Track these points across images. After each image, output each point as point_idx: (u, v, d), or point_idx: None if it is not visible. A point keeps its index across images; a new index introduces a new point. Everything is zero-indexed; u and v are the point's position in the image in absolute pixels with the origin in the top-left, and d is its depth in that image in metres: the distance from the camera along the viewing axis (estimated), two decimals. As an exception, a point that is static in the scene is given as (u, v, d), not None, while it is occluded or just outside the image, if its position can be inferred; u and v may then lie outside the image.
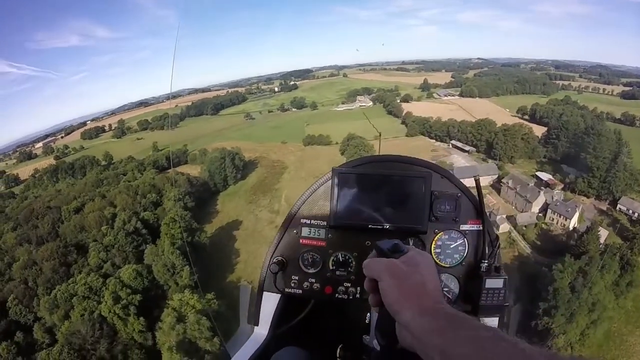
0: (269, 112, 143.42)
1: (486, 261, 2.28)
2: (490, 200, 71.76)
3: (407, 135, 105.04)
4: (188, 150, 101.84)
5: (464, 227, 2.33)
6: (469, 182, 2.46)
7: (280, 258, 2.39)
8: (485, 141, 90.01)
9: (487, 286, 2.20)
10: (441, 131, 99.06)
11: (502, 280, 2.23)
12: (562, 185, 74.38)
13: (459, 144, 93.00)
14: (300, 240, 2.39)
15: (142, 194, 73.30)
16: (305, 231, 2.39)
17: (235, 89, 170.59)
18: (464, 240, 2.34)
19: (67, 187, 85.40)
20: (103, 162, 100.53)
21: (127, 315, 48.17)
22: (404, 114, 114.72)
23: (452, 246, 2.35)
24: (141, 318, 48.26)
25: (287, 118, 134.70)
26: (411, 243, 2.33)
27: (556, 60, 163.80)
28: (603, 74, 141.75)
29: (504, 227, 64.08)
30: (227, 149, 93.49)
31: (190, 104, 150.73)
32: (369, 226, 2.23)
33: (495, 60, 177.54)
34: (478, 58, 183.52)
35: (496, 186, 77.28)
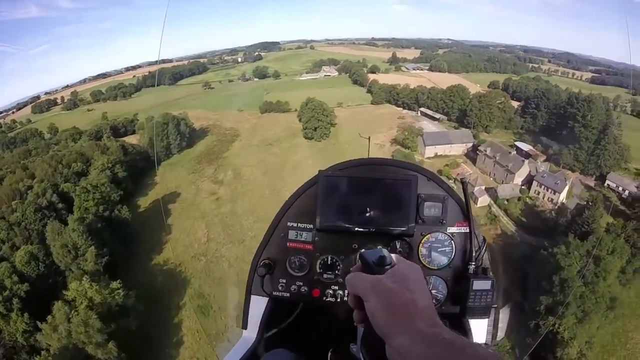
0: (230, 81, 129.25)
1: (473, 263, 2.11)
2: (466, 169, 57.05)
3: (372, 103, 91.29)
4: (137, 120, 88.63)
5: (451, 230, 2.17)
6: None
7: (267, 261, 2.23)
8: (458, 109, 75.48)
9: (474, 288, 2.05)
10: (409, 99, 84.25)
11: (490, 281, 2.07)
12: (545, 157, 60.25)
13: (429, 112, 78.17)
14: (287, 243, 2.25)
15: (67, 163, 60.57)
16: (292, 234, 2.24)
17: (198, 59, 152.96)
18: (451, 243, 2.17)
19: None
20: (48, 135, 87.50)
21: (9, 310, 35.67)
22: (369, 82, 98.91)
23: (439, 248, 2.18)
24: (25, 315, 35.32)
25: (247, 87, 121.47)
26: (398, 246, 2.18)
27: (524, 46, 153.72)
28: (571, 60, 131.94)
29: (484, 200, 49.69)
30: (174, 114, 79.22)
31: (147, 73, 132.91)
32: (356, 229, 2.09)
33: (465, 42, 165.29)
34: (448, 39, 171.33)
35: (471, 155, 62.49)
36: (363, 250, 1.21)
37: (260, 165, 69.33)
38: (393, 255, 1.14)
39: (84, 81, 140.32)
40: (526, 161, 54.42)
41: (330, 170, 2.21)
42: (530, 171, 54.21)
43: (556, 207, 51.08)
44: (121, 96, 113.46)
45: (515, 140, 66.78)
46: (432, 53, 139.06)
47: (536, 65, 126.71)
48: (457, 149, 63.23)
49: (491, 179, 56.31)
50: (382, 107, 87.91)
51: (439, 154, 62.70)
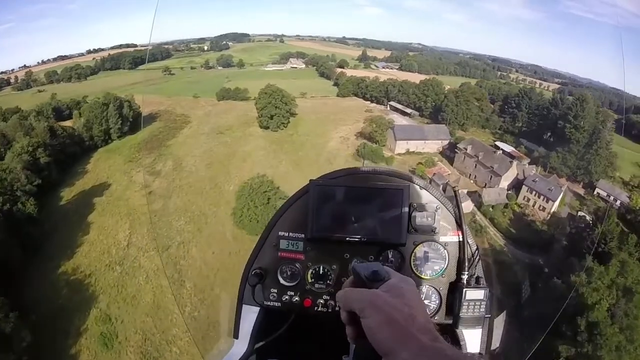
0: (192, 68, 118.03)
1: (466, 272, 1.99)
2: (444, 169, 45.81)
3: (338, 96, 79.89)
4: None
5: (443, 239, 2.04)
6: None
7: (258, 270, 2.09)
8: (432, 104, 64.26)
9: (467, 297, 1.95)
10: (378, 92, 72.88)
11: (483, 291, 1.97)
12: (529, 160, 49.83)
13: (399, 106, 66.88)
14: (279, 253, 2.11)
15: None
16: (283, 244, 2.10)
17: (162, 46, 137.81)
18: (444, 252, 2.03)
19: None
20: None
21: None
22: (336, 75, 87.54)
23: (431, 258, 2.04)
24: None
25: (209, 75, 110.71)
26: (390, 255, 2.04)
27: (493, 56, 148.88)
28: (538, 72, 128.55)
29: (466, 207, 38.26)
30: (120, 96, 66.24)
31: (107, 55, 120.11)
32: (347, 239, 1.96)
33: (435, 48, 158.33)
34: (418, 43, 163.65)
35: (447, 154, 51.30)
36: (355, 263, 1.14)
37: (206, 156, 56.83)
38: (385, 268, 1.09)
39: (42, 62, 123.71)
40: (514, 162, 43.74)
41: (322, 179, 2.08)
42: (517, 174, 43.48)
43: (549, 216, 40.55)
44: (75, 78, 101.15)
45: (495, 141, 56.14)
46: (402, 54, 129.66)
47: (504, 74, 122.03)
48: (432, 146, 52.15)
49: (471, 181, 45.17)
50: (348, 100, 77.33)
51: (411, 150, 51.32)
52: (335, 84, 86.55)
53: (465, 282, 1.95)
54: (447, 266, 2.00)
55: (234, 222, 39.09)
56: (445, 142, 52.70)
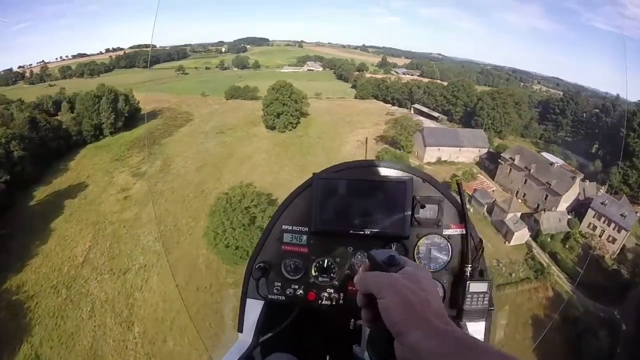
0: (207, 69, 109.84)
1: (470, 265, 1.91)
2: (487, 184, 35.14)
3: (356, 98, 70.72)
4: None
5: (447, 232, 1.95)
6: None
7: (263, 264, 1.99)
8: (463, 107, 53.47)
9: (471, 290, 1.87)
10: (401, 93, 62.23)
11: (486, 284, 1.89)
12: (582, 175, 38.44)
13: (425, 109, 56.00)
14: (283, 247, 2.01)
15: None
16: (287, 237, 2.01)
17: (180, 46, 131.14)
18: (448, 245, 1.95)
19: None
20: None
21: None
22: (355, 77, 77.79)
23: (435, 251, 1.96)
24: None
25: (222, 75, 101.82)
26: (394, 248, 1.94)
27: (512, 67, 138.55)
28: (560, 84, 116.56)
29: (521, 236, 27.60)
30: (117, 89, 56.99)
31: (122, 53, 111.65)
32: (351, 232, 1.88)
33: (455, 58, 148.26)
34: (438, 53, 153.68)
35: (486, 165, 40.44)
36: (372, 250, 1.06)
37: (199, 157, 47.76)
38: (401, 256, 1.06)
39: (61, 59, 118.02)
40: (577, 179, 32.55)
41: (325, 172, 1.97)
42: (579, 194, 32.44)
43: (618, 250, 29.52)
44: (88, 74, 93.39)
45: (539, 151, 44.88)
46: (423, 61, 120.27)
47: (527, 85, 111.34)
48: (467, 155, 41.32)
49: (519, 200, 34.08)
50: (367, 102, 67.56)
51: (443, 158, 40.45)
52: (354, 87, 77.54)
53: (468, 275, 1.86)
54: (450, 259, 1.92)
55: (209, 244, 28.74)
56: (484, 151, 41.79)
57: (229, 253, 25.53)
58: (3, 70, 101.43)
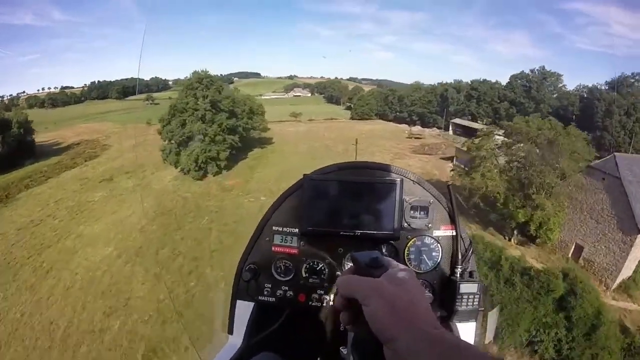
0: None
1: (460, 266, 1.73)
2: None
3: (353, 118, 44.56)
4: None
5: (437, 233, 1.78)
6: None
7: (252, 265, 1.81)
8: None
9: (461, 291, 1.70)
10: (427, 103, 32.93)
11: (477, 285, 1.72)
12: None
13: (475, 125, 26.22)
14: (273, 248, 1.83)
15: None
16: (277, 238, 1.83)
17: (161, 78, 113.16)
18: (438, 246, 1.77)
19: None
20: None
21: None
22: (348, 95, 50.22)
23: (425, 252, 1.78)
24: None
25: None
26: (384, 249, 1.77)
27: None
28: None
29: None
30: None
31: (95, 82, 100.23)
32: (341, 233, 1.69)
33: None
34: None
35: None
36: (356, 252, 0.94)
37: (31, 235, 18.91)
38: (385, 257, 0.90)
39: (43, 90, 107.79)
40: None
41: (316, 173, 1.78)
42: None
43: None
44: (49, 104, 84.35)
45: None
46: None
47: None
48: None
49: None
50: (369, 123, 41.14)
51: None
52: (348, 108, 51.59)
53: (459, 275, 1.70)
54: (440, 260, 1.76)
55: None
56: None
57: None
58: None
